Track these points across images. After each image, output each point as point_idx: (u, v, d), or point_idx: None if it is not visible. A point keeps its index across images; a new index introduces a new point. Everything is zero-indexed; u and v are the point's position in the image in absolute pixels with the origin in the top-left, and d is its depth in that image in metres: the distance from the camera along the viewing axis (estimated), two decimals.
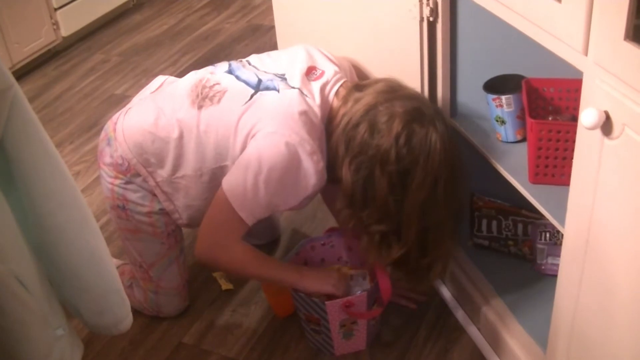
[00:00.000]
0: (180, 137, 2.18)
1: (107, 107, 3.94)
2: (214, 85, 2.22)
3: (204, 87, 2.23)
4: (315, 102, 2.11)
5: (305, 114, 2.06)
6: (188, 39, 4.67)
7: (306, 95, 2.10)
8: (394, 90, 2.05)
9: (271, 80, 2.16)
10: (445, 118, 2.05)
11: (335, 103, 2.13)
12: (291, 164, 2.03)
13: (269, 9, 4.24)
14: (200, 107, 2.19)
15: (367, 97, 2.04)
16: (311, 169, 2.05)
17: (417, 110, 1.99)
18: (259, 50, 3.99)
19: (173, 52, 4.51)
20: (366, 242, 2.13)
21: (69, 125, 3.83)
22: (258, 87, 2.15)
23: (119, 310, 1.73)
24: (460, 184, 2.08)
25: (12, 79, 1.37)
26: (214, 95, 2.19)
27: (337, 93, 2.14)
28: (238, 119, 2.12)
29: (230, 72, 2.24)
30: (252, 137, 2.08)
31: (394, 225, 2.06)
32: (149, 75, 4.14)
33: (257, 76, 2.19)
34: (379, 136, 1.97)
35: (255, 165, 2.04)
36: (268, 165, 2.03)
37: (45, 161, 1.48)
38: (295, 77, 2.15)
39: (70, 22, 4.59)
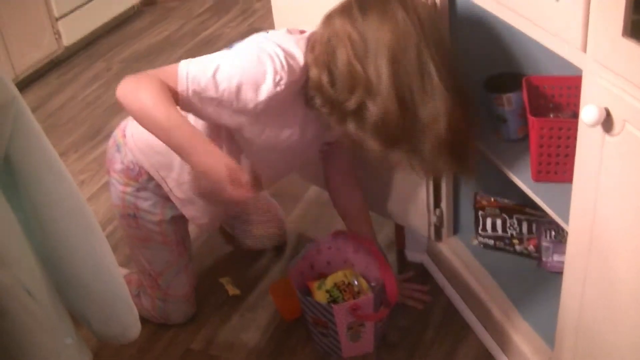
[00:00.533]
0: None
1: (110, 114, 3.94)
2: None
3: None
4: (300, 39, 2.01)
5: (288, 39, 1.97)
6: (189, 44, 4.69)
7: (292, 33, 2.02)
8: None
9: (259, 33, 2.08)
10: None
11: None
12: (253, 66, 1.90)
13: (269, 13, 4.24)
14: None
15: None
16: (268, 83, 1.89)
17: None
18: None
19: (175, 58, 4.50)
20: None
21: (73, 134, 3.84)
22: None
23: (126, 319, 1.74)
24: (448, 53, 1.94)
25: (16, 91, 1.38)
26: None
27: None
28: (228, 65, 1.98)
29: (230, 47, 2.10)
30: None
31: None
32: None
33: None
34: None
35: (222, 52, 1.97)
36: (232, 56, 1.94)
37: (50, 171, 1.48)
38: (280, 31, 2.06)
39: (71, 31, 4.61)
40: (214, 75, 1.88)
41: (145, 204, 2.32)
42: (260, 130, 2.05)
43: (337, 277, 2.34)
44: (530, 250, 2.37)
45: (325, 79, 1.91)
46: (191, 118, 2.00)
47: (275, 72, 1.89)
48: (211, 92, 1.90)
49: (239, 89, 1.89)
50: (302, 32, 2.05)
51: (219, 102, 1.92)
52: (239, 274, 2.73)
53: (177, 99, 1.90)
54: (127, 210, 2.35)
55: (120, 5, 5.01)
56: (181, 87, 1.89)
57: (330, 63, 1.90)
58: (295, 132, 2.10)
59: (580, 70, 1.46)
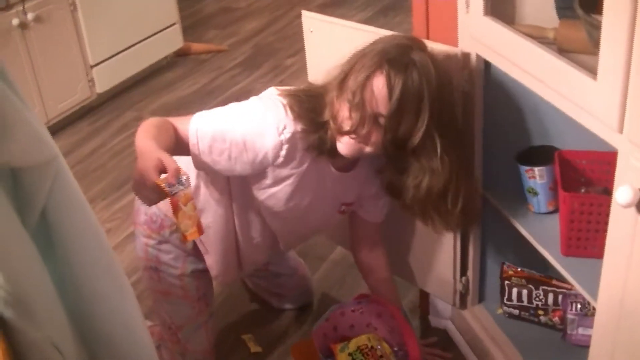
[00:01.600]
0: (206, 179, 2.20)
1: None
2: None
3: None
4: None
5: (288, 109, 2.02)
6: (219, 98, 4.72)
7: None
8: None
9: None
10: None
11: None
12: (258, 116, 2.01)
13: (300, 70, 4.29)
14: None
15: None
16: (271, 133, 1.98)
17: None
18: None
19: None
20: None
21: (101, 182, 3.87)
22: None
23: None
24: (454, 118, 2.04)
25: (57, 150, 1.40)
26: None
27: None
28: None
29: None
30: None
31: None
32: None
33: None
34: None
35: (227, 108, 2.07)
36: (238, 108, 2.05)
37: (86, 230, 1.50)
38: None
39: (105, 79, 4.66)
40: (222, 129, 1.98)
41: (166, 257, 2.33)
42: (278, 187, 2.12)
43: (361, 340, 2.34)
44: (555, 322, 2.36)
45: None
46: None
47: (279, 121, 1.97)
48: (219, 145, 1.99)
49: (244, 141, 1.98)
50: None
51: (228, 155, 2.00)
52: (262, 331, 2.73)
53: (190, 150, 2.01)
54: (150, 263, 2.36)
55: (154, 56, 5.07)
56: (192, 142, 1.99)
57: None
58: (308, 193, 2.16)
59: (612, 147, 1.46)
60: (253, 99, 2.09)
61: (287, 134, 1.98)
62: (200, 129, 1.99)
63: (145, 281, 2.44)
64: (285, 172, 2.07)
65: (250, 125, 2.00)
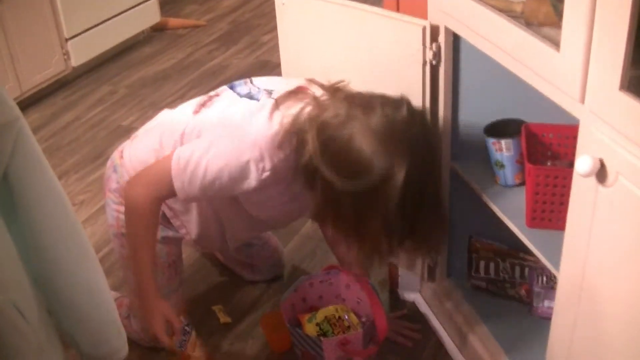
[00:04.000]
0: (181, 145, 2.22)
1: (113, 138, 3.97)
2: (214, 96, 2.28)
3: (205, 97, 2.30)
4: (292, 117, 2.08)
5: (269, 125, 2.04)
6: (196, 73, 4.72)
7: (280, 110, 2.08)
8: (367, 100, 2.02)
9: (258, 92, 2.18)
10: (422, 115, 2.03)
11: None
12: (234, 163, 2.03)
13: (277, 46, 4.27)
14: (196, 112, 2.23)
15: (339, 110, 2.00)
16: (253, 174, 2.03)
17: (398, 122, 1.93)
18: None
19: (180, 86, 4.55)
20: (361, 247, 2.13)
21: (75, 155, 3.86)
22: (244, 97, 2.19)
23: (115, 342, 1.74)
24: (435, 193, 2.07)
25: (18, 112, 1.40)
26: (210, 104, 2.25)
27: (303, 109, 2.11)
28: (216, 121, 2.17)
29: (231, 87, 2.28)
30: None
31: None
32: (156, 108, 4.17)
33: (250, 89, 2.22)
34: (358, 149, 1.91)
35: (206, 148, 2.06)
36: (215, 152, 2.04)
37: (48, 194, 1.50)
38: (281, 92, 2.15)
39: (80, 53, 4.65)
40: (209, 183, 2.06)
41: None
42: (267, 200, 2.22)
43: (329, 311, 2.35)
44: (522, 295, 2.38)
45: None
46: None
47: (257, 162, 2.02)
48: (211, 193, 2.11)
49: (230, 183, 2.06)
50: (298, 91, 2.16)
51: (221, 194, 2.16)
52: (232, 302, 2.75)
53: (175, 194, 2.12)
54: (121, 230, 2.37)
55: (130, 30, 5.04)
56: (181, 197, 2.12)
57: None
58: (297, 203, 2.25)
59: (579, 121, 1.48)
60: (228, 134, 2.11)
61: (267, 172, 2.03)
62: (188, 191, 2.09)
63: (117, 248, 2.45)
64: (274, 190, 2.16)
65: (231, 174, 2.04)
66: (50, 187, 1.51)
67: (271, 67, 4.60)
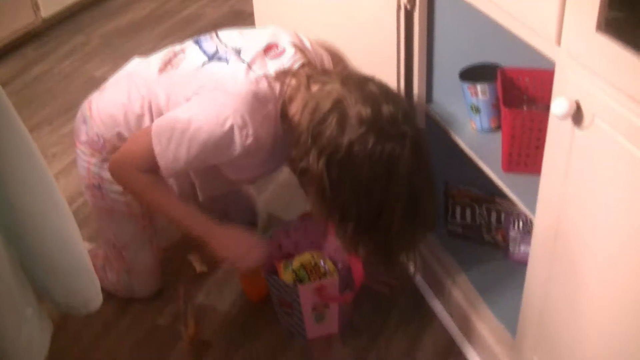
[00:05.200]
0: (149, 106, 2.21)
1: (86, 89, 3.86)
2: (179, 52, 2.26)
3: (170, 53, 2.28)
4: (265, 78, 2.09)
5: (246, 88, 2.05)
6: (169, 22, 4.66)
7: (253, 71, 2.09)
8: (361, 82, 2.01)
9: (225, 52, 2.17)
10: (414, 119, 2.03)
11: (294, 83, 2.11)
12: (218, 132, 2.03)
13: None
14: (161, 71, 2.22)
15: (333, 84, 2.01)
16: (237, 142, 2.03)
17: (379, 112, 1.94)
18: None
19: (154, 36, 4.49)
20: (340, 233, 2.14)
21: (47, 107, 3.82)
22: (212, 57, 2.17)
23: (88, 291, 1.74)
24: (430, 189, 2.09)
25: None
26: (175, 62, 2.23)
27: (294, 74, 2.12)
28: (185, 85, 2.15)
29: (197, 42, 2.26)
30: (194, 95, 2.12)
31: (363, 220, 2.05)
32: (129, 58, 4.11)
33: (217, 47, 2.20)
34: (350, 141, 1.93)
35: (185, 123, 2.04)
36: (196, 126, 2.03)
37: (15, 143, 1.47)
38: (250, 52, 2.14)
39: (50, 3, 4.55)
40: (188, 152, 2.06)
41: (109, 175, 2.32)
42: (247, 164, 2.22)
43: (304, 258, 2.35)
44: (498, 240, 2.39)
45: (328, 190, 2.01)
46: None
47: (240, 128, 2.02)
48: (198, 164, 2.15)
49: (215, 153, 2.07)
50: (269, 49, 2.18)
51: (202, 164, 2.15)
52: (208, 251, 2.73)
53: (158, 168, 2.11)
54: (92, 181, 2.35)
55: None
56: (166, 175, 2.14)
57: (336, 180, 1.99)
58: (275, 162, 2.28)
59: (555, 64, 1.47)
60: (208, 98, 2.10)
61: (250, 137, 2.03)
62: (173, 167, 2.10)
63: (89, 200, 2.43)
64: (255, 159, 2.18)
65: (216, 144, 2.04)
66: (18, 138, 1.48)
67: (245, 17, 4.54)
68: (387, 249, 2.13)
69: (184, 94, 2.14)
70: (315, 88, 2.05)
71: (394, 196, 1.99)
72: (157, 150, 2.06)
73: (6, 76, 4.12)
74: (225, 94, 2.05)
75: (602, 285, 1.50)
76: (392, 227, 2.04)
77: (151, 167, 2.10)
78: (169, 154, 2.06)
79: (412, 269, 2.33)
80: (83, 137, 2.34)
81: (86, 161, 2.34)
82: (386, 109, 1.93)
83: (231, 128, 2.01)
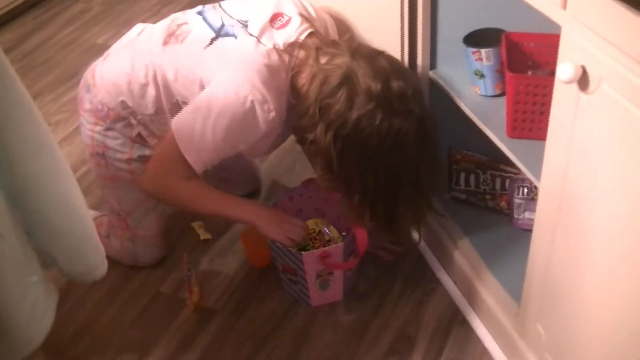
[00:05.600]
0: (154, 77, 2.20)
1: (87, 57, 3.89)
2: (182, 24, 2.24)
3: (173, 24, 2.26)
4: (275, 50, 2.08)
5: (259, 62, 2.05)
6: None
7: (263, 44, 2.08)
8: (372, 56, 2.01)
9: (232, 26, 2.15)
10: (422, 96, 2.04)
11: (302, 55, 2.10)
12: (240, 111, 2.03)
13: None
14: (165, 44, 2.21)
15: (343, 57, 2.00)
16: (261, 118, 2.04)
17: (389, 88, 1.94)
18: None
19: (155, 2, 4.46)
20: (345, 203, 2.14)
21: (49, 75, 3.80)
22: (219, 32, 2.16)
23: (93, 258, 1.74)
24: (434, 166, 2.11)
25: None
26: (179, 34, 2.21)
27: (302, 45, 2.11)
28: (196, 63, 2.14)
29: (200, 13, 2.25)
30: (208, 83, 2.10)
31: (369, 192, 2.05)
32: (131, 25, 4.01)
33: (222, 20, 2.18)
34: (359, 115, 1.93)
35: (205, 109, 2.04)
36: (217, 110, 2.03)
37: (18, 108, 1.46)
38: (257, 25, 2.13)
39: None
40: (214, 138, 2.06)
41: (113, 143, 2.32)
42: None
43: (308, 225, 2.35)
44: (502, 207, 2.38)
45: (336, 161, 2.01)
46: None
47: (261, 104, 2.02)
48: (220, 156, 2.14)
49: (241, 133, 2.08)
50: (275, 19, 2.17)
51: (230, 148, 2.15)
52: (211, 218, 2.74)
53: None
54: (96, 149, 2.35)
55: None
56: (193, 161, 2.10)
57: (343, 152, 1.99)
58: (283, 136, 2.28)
59: (560, 28, 1.45)
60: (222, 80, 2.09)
61: (272, 112, 2.04)
62: (203, 159, 2.11)
63: (93, 168, 2.43)
64: (274, 134, 2.20)
65: (242, 123, 2.05)
66: (19, 101, 1.48)
67: None
68: (391, 221, 2.13)
69: (194, 71, 2.13)
70: (324, 60, 2.04)
71: (400, 171, 2.00)
72: (183, 145, 2.07)
73: (6, 45, 4.10)
74: (238, 71, 2.04)
75: (607, 252, 1.50)
76: (398, 201, 2.05)
77: (188, 172, 2.12)
78: (194, 146, 2.07)
79: (416, 236, 2.32)
80: (86, 106, 2.33)
81: (90, 129, 2.33)
82: (396, 84, 1.93)
83: (252, 105, 2.01)
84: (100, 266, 1.77)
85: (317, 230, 2.34)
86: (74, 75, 3.74)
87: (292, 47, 2.09)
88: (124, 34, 2.45)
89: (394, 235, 2.27)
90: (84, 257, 1.72)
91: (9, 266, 1.57)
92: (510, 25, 2.05)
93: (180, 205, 2.31)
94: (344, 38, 2.25)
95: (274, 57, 2.07)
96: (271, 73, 2.05)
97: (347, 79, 1.94)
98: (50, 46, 4.12)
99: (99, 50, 3.85)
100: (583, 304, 1.64)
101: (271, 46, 2.08)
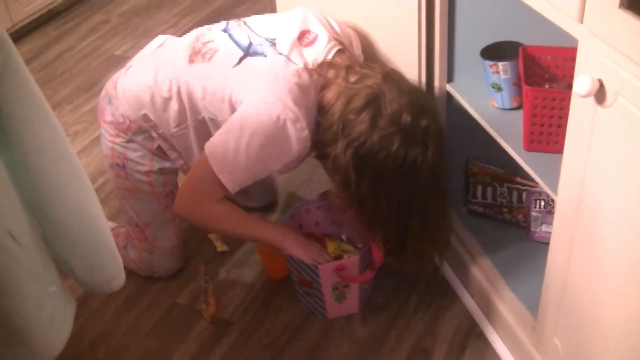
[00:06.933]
0: (178, 92, 2.21)
1: (107, 67, 3.93)
2: (208, 42, 2.24)
3: (199, 42, 2.26)
4: (305, 69, 2.10)
5: (289, 81, 2.06)
6: (189, 0, 4.65)
7: (294, 62, 2.10)
8: (398, 82, 2.04)
9: (261, 44, 2.16)
10: (443, 136, 2.07)
11: (331, 73, 2.12)
12: (273, 130, 2.04)
13: None
14: (192, 62, 2.21)
15: (371, 79, 2.03)
16: (293, 137, 2.05)
17: (417, 121, 1.97)
18: (259, 13, 3.97)
19: (174, 14, 4.48)
20: (357, 222, 2.17)
21: (68, 86, 3.82)
22: (248, 50, 2.16)
23: (111, 268, 1.75)
24: (443, 207, 2.16)
25: (5, 35, 1.38)
26: (206, 52, 2.21)
27: (332, 63, 2.12)
28: (226, 83, 2.14)
29: (225, 30, 2.26)
30: (239, 103, 2.10)
31: (381, 216, 2.08)
32: (150, 37, 4.07)
33: (249, 38, 2.19)
34: (380, 137, 1.96)
35: (238, 130, 2.05)
36: (250, 130, 2.04)
37: (38, 117, 1.48)
38: (285, 43, 2.14)
39: None
40: (247, 157, 2.07)
41: (133, 155, 2.33)
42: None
43: (329, 248, 2.34)
44: (519, 220, 2.37)
45: (353, 179, 2.05)
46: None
47: (294, 122, 2.03)
48: (253, 176, 2.14)
49: (274, 151, 2.10)
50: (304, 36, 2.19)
51: (264, 168, 2.16)
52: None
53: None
54: (116, 160, 2.36)
55: None
56: (226, 182, 2.10)
57: (360, 171, 2.02)
58: None
59: (577, 42, 1.45)
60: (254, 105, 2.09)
61: (305, 130, 2.06)
62: (236, 179, 2.11)
63: (112, 179, 2.44)
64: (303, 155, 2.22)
65: (276, 142, 2.07)
66: (39, 110, 1.49)
67: None
68: (400, 249, 2.17)
69: (223, 90, 2.14)
70: (353, 79, 2.05)
71: (411, 201, 2.05)
72: (216, 166, 2.08)
73: (27, 55, 4.13)
74: (270, 90, 2.05)
75: (624, 266, 1.49)
76: (407, 230, 2.11)
77: (221, 193, 2.14)
78: (227, 166, 2.08)
79: (437, 259, 2.34)
80: (108, 117, 2.34)
81: (110, 140, 2.34)
82: (420, 117, 1.97)
83: (285, 123, 2.02)
84: (117, 277, 1.77)
85: (337, 253, 2.35)
86: (92, 86, 3.77)
87: (321, 66, 2.10)
88: (143, 45, 2.46)
89: (400, 263, 2.28)
90: (102, 267, 1.72)
91: (28, 276, 1.58)
92: (527, 38, 2.05)
93: (211, 228, 2.36)
94: (378, 63, 2.26)
95: (305, 76, 2.08)
96: (302, 92, 2.06)
97: (375, 100, 1.96)
98: (69, 57, 4.15)
99: (118, 61, 3.90)
100: (600, 317, 1.64)
101: (301, 65, 2.09)
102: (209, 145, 2.10)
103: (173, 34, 4.11)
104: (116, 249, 1.74)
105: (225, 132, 2.08)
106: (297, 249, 2.25)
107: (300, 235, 2.33)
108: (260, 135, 2.03)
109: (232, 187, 2.11)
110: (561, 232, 1.71)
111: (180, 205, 2.21)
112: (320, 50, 2.13)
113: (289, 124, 2.02)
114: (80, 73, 3.95)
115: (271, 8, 4.12)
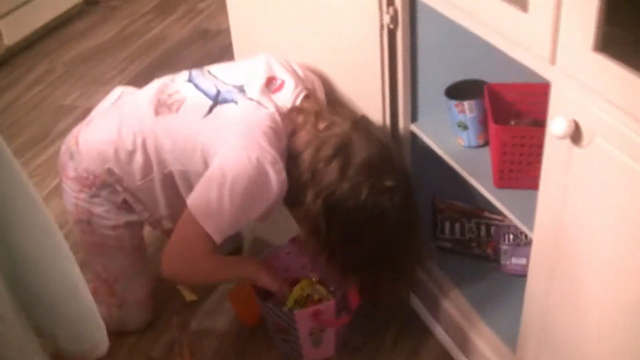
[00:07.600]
0: (143, 144, 2.19)
1: (56, 117, 3.87)
2: (174, 93, 2.24)
3: (163, 94, 2.25)
4: (277, 112, 2.11)
5: (263, 125, 2.07)
6: (134, 45, 4.62)
7: (265, 107, 2.11)
8: (366, 128, 2.08)
9: (229, 91, 2.16)
10: (406, 169, 2.14)
11: (300, 119, 2.13)
12: (254, 173, 2.03)
13: (214, 13, 4.20)
14: (157, 114, 2.20)
15: (340, 127, 2.07)
16: (274, 179, 2.05)
17: (385, 169, 2.03)
18: (208, 55, 3.97)
19: (120, 60, 4.45)
20: (330, 268, 2.20)
21: (18, 138, 3.75)
22: (217, 98, 2.16)
23: (95, 335, 1.72)
24: (416, 236, 2.19)
25: None
26: (172, 104, 2.20)
27: (300, 109, 2.14)
28: (198, 133, 2.14)
29: (190, 80, 2.25)
30: (213, 153, 2.09)
31: (352, 263, 2.12)
32: (98, 84, 4.09)
33: (216, 87, 2.19)
34: (349, 187, 2.00)
35: (219, 177, 2.04)
36: (231, 176, 2.03)
37: (15, 190, 1.45)
38: (254, 89, 2.15)
39: (13, 31, 4.49)
40: (231, 204, 2.04)
41: (99, 209, 2.30)
42: None
43: (295, 293, 2.34)
44: (488, 254, 2.39)
45: (322, 226, 2.08)
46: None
47: (273, 164, 2.04)
48: (237, 224, 2.14)
49: (257, 197, 2.08)
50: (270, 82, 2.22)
51: (248, 213, 2.14)
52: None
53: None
54: (80, 216, 2.33)
55: (62, 4, 4.89)
56: (213, 232, 2.07)
57: (329, 218, 2.05)
58: None
59: (541, 78, 1.47)
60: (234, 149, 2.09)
61: (284, 172, 2.07)
62: (223, 227, 2.09)
63: (78, 234, 2.41)
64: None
65: (258, 185, 2.06)
66: (15, 181, 1.46)
67: (211, 36, 4.49)
68: (373, 291, 2.21)
69: (194, 141, 2.14)
70: (322, 125, 2.07)
71: (382, 248, 2.07)
72: (200, 217, 2.06)
73: None
74: (245, 135, 2.06)
75: (604, 300, 1.51)
76: (379, 275, 2.14)
77: (209, 246, 2.11)
78: (213, 215, 2.06)
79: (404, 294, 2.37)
80: (71, 173, 2.30)
81: (74, 196, 2.31)
82: (389, 168, 2.02)
83: (264, 166, 2.02)
84: (102, 343, 1.75)
85: (304, 295, 2.34)
86: (44, 137, 3.71)
87: (291, 111, 2.11)
88: (91, 93, 2.47)
89: (373, 302, 2.31)
90: (88, 335, 1.70)
91: (10, 349, 1.55)
92: (490, 75, 2.08)
93: (203, 281, 2.40)
94: (346, 108, 2.29)
95: (277, 119, 2.10)
96: (276, 135, 2.07)
97: (343, 148, 1.97)
98: (16, 108, 4.08)
99: (67, 110, 3.86)
100: (582, 349, 1.65)
101: (273, 109, 2.10)
102: (191, 200, 2.08)
103: (121, 80, 4.11)
104: (99, 315, 1.72)
105: (206, 182, 2.06)
106: (272, 281, 2.28)
107: (272, 269, 2.34)
108: (242, 180, 2.03)
109: (217, 238, 2.09)
110: (539, 268, 1.72)
111: (172, 267, 2.18)
112: (288, 96, 2.14)
113: (268, 166, 2.02)
114: (30, 125, 3.89)
115: (219, 49, 4.14)
